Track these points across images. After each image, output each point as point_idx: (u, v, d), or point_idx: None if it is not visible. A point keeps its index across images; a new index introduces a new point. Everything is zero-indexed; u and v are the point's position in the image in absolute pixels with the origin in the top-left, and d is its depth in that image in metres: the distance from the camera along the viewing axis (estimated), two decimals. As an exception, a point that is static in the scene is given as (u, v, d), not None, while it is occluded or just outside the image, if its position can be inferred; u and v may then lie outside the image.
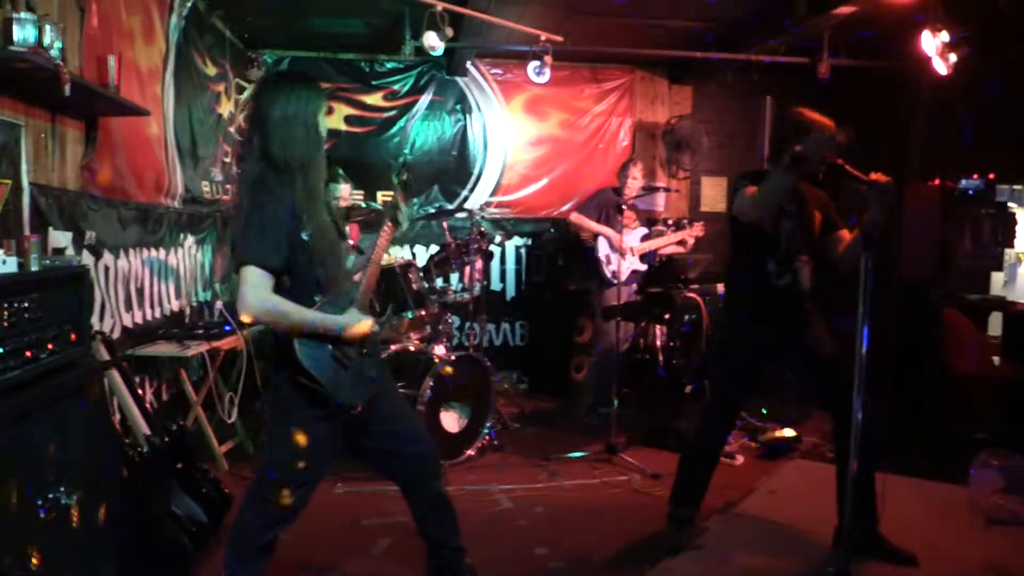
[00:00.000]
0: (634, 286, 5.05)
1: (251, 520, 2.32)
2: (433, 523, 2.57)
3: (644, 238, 5.19)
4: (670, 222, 5.52)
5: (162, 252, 4.05)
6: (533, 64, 5.22)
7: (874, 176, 2.60)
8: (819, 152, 2.81)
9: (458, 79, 6.30)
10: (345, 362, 2.25)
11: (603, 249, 5.06)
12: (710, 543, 3.16)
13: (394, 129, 6.23)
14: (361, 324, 2.27)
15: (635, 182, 5.11)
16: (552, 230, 6.29)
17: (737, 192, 2.95)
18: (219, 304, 4.92)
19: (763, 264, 2.95)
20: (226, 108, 5.36)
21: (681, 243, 5.24)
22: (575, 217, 5.21)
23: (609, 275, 5.01)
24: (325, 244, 2.24)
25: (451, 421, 4.17)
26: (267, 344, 2.39)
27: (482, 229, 4.72)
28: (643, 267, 5.17)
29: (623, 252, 4.86)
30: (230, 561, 2.31)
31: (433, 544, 2.57)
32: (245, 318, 2.14)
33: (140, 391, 3.09)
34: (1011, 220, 4.52)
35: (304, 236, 2.17)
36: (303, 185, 2.21)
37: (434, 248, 6.10)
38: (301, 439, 2.24)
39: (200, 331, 3.88)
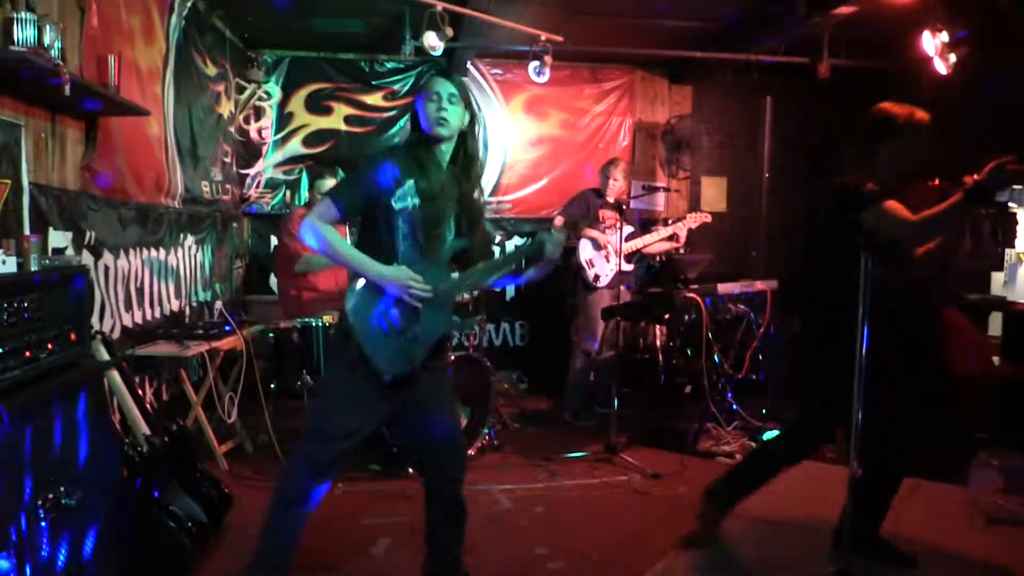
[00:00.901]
0: (623, 288, 4.87)
1: (294, 468, 2.45)
2: (443, 529, 2.58)
3: (629, 237, 5.03)
4: (670, 222, 5.49)
5: (162, 252, 4.05)
6: (533, 64, 5.22)
7: (968, 179, 2.43)
8: (918, 152, 2.70)
9: (458, 79, 6.30)
10: (389, 329, 2.32)
11: (585, 253, 4.92)
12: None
13: (394, 129, 6.22)
14: (402, 276, 2.30)
15: (616, 183, 4.96)
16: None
17: (869, 205, 2.60)
18: (219, 304, 4.92)
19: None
20: (226, 108, 5.36)
21: (672, 238, 5.09)
22: (558, 221, 4.95)
23: (591, 279, 4.89)
24: (421, 218, 2.35)
25: (451, 421, 4.16)
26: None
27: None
28: (629, 268, 5.07)
29: (608, 253, 4.71)
30: (272, 507, 2.39)
31: (436, 548, 2.58)
32: (300, 230, 2.35)
33: (140, 391, 3.09)
34: (1011, 220, 4.52)
35: (395, 204, 2.32)
36: (417, 159, 2.37)
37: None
38: (339, 390, 2.39)
39: (200, 331, 3.88)
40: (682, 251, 5.27)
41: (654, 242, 5.08)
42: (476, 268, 2.47)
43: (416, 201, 2.34)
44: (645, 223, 5.70)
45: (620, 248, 4.60)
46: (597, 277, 4.91)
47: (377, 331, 2.32)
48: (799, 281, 3.13)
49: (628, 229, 5.05)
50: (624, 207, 4.65)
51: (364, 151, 6.16)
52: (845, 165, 2.92)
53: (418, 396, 2.43)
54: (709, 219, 5.23)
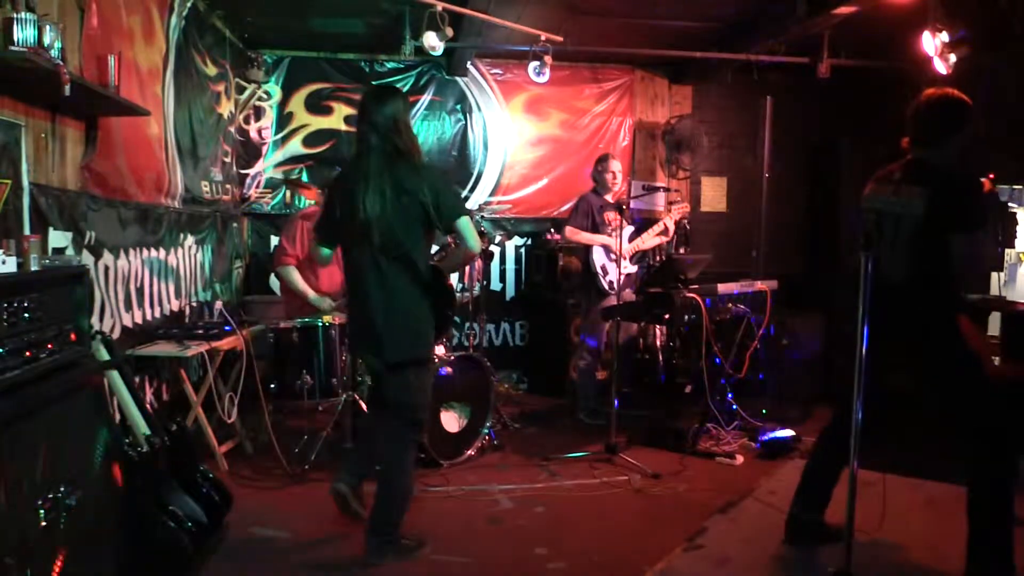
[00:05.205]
0: (628, 291, 4.90)
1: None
2: None
3: (631, 237, 5.06)
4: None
5: (162, 252, 4.05)
6: (533, 64, 5.22)
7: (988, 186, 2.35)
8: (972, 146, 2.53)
9: (458, 79, 6.30)
10: None
11: (599, 259, 4.93)
12: (710, 543, 3.16)
13: (394, 129, 6.21)
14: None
15: (613, 177, 4.99)
16: (552, 230, 6.29)
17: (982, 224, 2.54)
18: (219, 304, 4.92)
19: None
20: (226, 108, 5.36)
21: (663, 232, 5.13)
22: (570, 232, 4.99)
23: (606, 286, 4.88)
24: None
25: (451, 421, 4.17)
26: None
27: (482, 229, 4.71)
28: (634, 269, 5.10)
29: (620, 258, 4.72)
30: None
31: None
32: (474, 254, 3.36)
33: (140, 391, 3.09)
34: (1011, 220, 4.51)
35: None
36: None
37: (434, 248, 6.09)
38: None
39: (200, 331, 3.88)
40: (683, 251, 5.29)
41: (649, 240, 5.13)
42: None
43: None
44: (645, 223, 5.69)
45: (620, 247, 4.56)
46: (611, 284, 4.88)
47: None
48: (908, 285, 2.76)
49: (629, 229, 5.06)
50: (624, 207, 4.64)
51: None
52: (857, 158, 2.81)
53: None
54: (688, 208, 5.47)
